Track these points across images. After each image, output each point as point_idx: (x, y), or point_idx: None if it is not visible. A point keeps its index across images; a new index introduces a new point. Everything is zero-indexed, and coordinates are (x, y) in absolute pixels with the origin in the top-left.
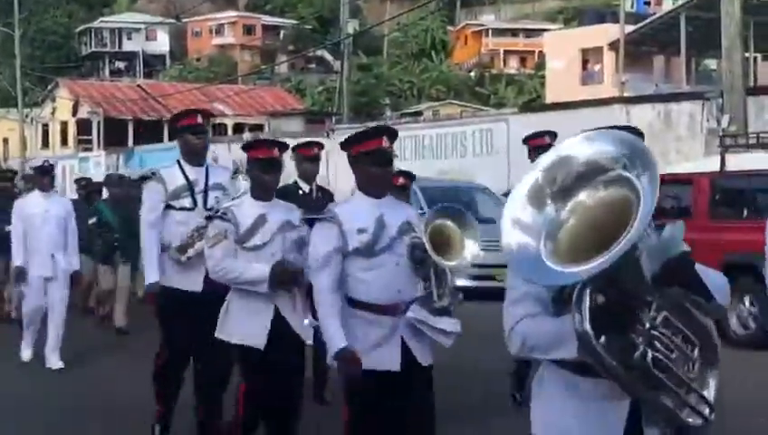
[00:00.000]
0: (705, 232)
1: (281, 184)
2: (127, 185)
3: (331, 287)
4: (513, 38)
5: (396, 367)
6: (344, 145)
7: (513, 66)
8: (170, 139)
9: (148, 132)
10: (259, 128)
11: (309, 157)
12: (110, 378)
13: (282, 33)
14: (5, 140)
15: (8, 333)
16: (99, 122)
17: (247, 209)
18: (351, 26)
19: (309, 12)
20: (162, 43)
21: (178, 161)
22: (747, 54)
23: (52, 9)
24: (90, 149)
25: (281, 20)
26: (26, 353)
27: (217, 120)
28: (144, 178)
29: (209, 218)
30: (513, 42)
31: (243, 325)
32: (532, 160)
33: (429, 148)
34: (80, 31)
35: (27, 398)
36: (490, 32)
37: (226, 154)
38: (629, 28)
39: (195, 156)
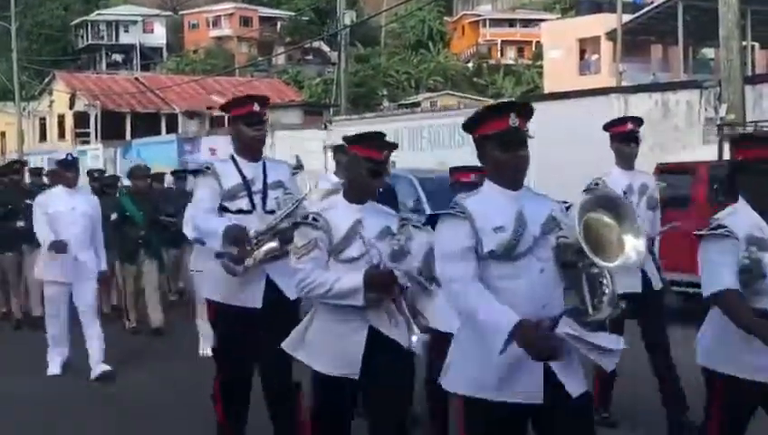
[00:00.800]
0: (703, 220)
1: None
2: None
3: (474, 276)
4: (510, 28)
5: (538, 398)
6: (466, 127)
7: (510, 56)
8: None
9: (146, 125)
10: None
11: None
12: (141, 382)
13: (279, 24)
14: (2, 134)
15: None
16: (96, 115)
17: (341, 214)
18: (348, 17)
19: (306, 3)
20: (159, 36)
21: (232, 156)
22: (745, 43)
23: (49, 2)
24: (87, 142)
25: (278, 11)
26: (54, 367)
27: (215, 113)
28: (197, 172)
29: (296, 225)
30: (510, 32)
31: (330, 349)
32: (616, 148)
33: (427, 139)
34: (76, 24)
35: (55, 407)
36: (487, 22)
37: (225, 146)
38: (627, 18)
39: (250, 150)
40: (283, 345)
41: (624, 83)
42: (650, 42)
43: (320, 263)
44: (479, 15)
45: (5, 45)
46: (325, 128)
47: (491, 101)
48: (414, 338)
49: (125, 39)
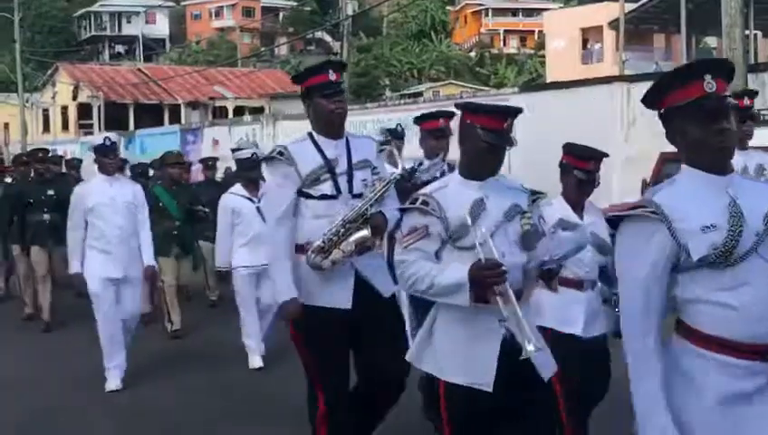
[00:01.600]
0: None
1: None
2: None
3: (656, 336)
4: (512, 18)
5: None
6: (647, 101)
7: (513, 46)
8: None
9: (149, 116)
10: (259, 110)
11: (434, 131)
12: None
13: (281, 15)
14: (6, 125)
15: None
16: (99, 106)
17: (457, 194)
18: (351, 7)
19: None
20: (162, 27)
21: (311, 134)
22: (747, 32)
23: None
24: (90, 133)
25: (280, 2)
26: (114, 382)
27: (217, 103)
28: (269, 159)
29: (404, 210)
30: (512, 21)
31: (460, 358)
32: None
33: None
34: (79, 15)
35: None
36: (490, 11)
37: (227, 137)
38: (629, 6)
39: (331, 126)
40: (408, 357)
41: (627, 72)
42: (653, 31)
43: (428, 254)
44: (481, 5)
45: (8, 37)
46: None
47: (493, 91)
48: (530, 347)
49: (128, 30)
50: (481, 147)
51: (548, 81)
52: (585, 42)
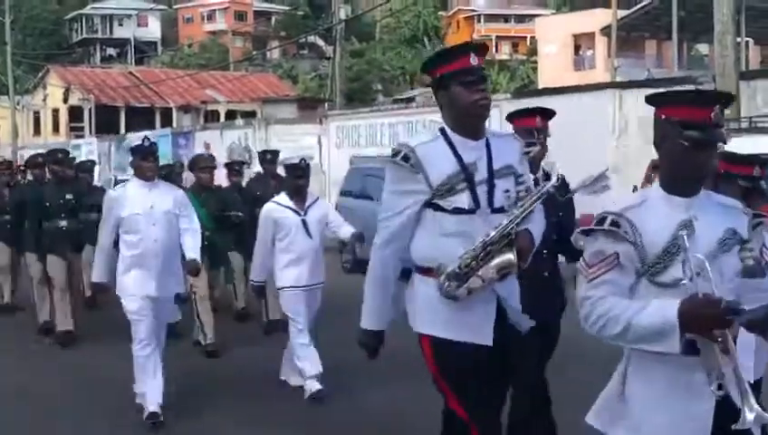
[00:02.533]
0: None
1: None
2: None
3: None
4: (504, 24)
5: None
6: None
7: (505, 52)
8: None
9: (140, 119)
10: (252, 114)
11: (528, 129)
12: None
13: (273, 18)
14: None
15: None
16: (90, 109)
17: (658, 214)
18: (343, 12)
19: None
20: (154, 30)
21: (443, 132)
22: (739, 39)
23: None
24: (81, 136)
25: (272, 6)
26: (152, 406)
27: (209, 107)
28: (391, 161)
29: (587, 233)
30: (504, 27)
31: (665, 420)
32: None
33: (423, 133)
34: (70, 17)
35: None
36: (482, 17)
37: (219, 140)
38: (621, 13)
39: (471, 122)
40: (591, 420)
41: (618, 79)
42: (645, 37)
43: (621, 289)
44: (474, 11)
45: (0, 39)
46: (320, 122)
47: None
48: (750, 415)
49: (119, 33)
50: (682, 148)
51: (540, 87)
52: (577, 48)
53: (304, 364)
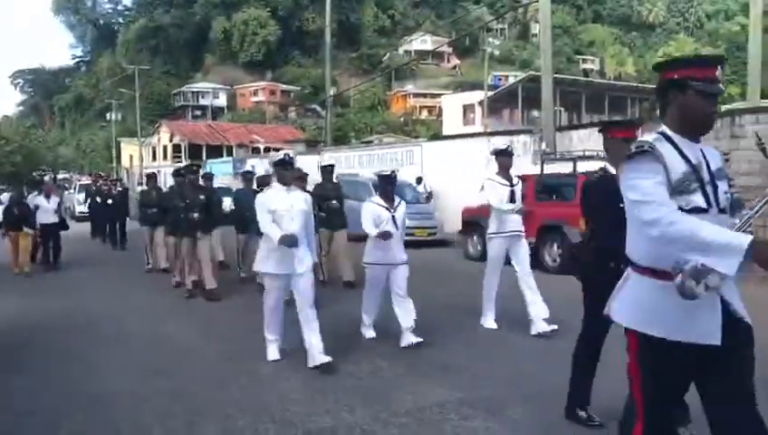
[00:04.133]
0: (532, 208)
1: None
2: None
3: None
4: (424, 98)
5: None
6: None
7: (424, 114)
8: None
9: (214, 152)
10: (278, 149)
11: (627, 140)
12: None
13: (292, 94)
14: (131, 157)
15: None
16: (185, 146)
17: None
18: (332, 91)
19: (307, 82)
20: (222, 100)
21: (664, 134)
22: (556, 108)
23: (158, 80)
24: (179, 161)
25: (291, 87)
26: (272, 352)
27: (254, 145)
28: (634, 154)
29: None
30: (424, 100)
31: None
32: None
33: (378, 160)
34: (175, 92)
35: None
36: (411, 95)
37: (260, 164)
38: (490, 93)
39: (699, 129)
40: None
41: (489, 130)
42: (503, 107)
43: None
44: (407, 91)
45: (133, 105)
46: (319, 154)
47: (413, 140)
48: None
49: (202, 101)
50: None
51: (444, 134)
52: (465, 112)
53: (366, 318)
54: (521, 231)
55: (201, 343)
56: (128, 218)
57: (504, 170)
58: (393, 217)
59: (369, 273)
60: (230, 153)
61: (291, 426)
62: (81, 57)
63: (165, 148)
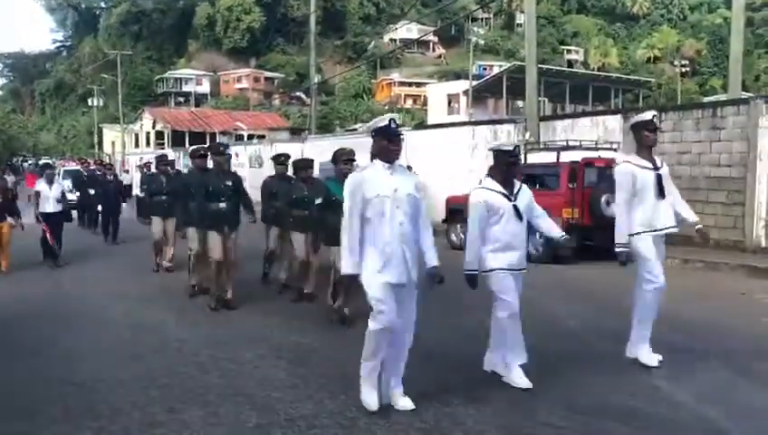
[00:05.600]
0: None
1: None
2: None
3: None
4: (409, 87)
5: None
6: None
7: (409, 103)
8: None
9: (197, 139)
10: (262, 137)
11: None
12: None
13: (276, 81)
14: (113, 143)
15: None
16: (168, 132)
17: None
18: (316, 78)
19: (292, 70)
20: (206, 87)
21: None
22: (540, 98)
23: (141, 66)
24: (162, 147)
25: (276, 74)
26: (371, 399)
27: (238, 132)
28: None
29: None
30: (409, 89)
31: None
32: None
33: (362, 149)
34: (157, 78)
35: None
36: (396, 83)
37: (243, 151)
38: (475, 83)
39: None
40: None
41: (472, 120)
42: (488, 97)
43: None
44: (392, 79)
45: (115, 91)
46: (303, 142)
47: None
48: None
49: (186, 88)
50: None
51: (429, 123)
52: (450, 102)
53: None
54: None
55: (181, 330)
56: (123, 207)
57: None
58: (515, 206)
59: (497, 283)
60: (213, 140)
61: (273, 412)
62: (62, 42)
63: (148, 134)
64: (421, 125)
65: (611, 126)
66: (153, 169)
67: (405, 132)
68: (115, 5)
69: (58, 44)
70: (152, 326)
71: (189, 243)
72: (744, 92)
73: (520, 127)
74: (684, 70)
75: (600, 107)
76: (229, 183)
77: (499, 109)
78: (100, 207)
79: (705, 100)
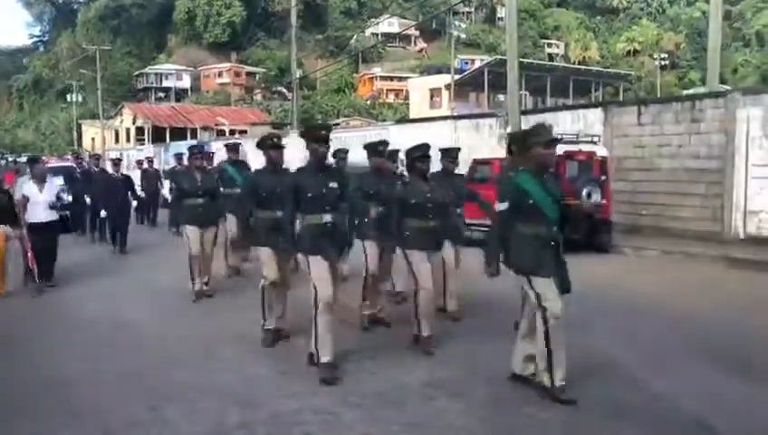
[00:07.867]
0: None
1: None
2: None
3: None
4: (391, 82)
5: None
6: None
7: (391, 98)
8: None
9: (178, 134)
10: (244, 132)
11: None
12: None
13: (257, 76)
14: (93, 139)
15: None
16: (148, 128)
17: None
18: (298, 73)
19: (273, 64)
20: (186, 82)
21: None
22: (521, 92)
23: (120, 61)
24: (143, 144)
25: (257, 69)
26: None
27: (219, 127)
28: None
29: None
30: (391, 84)
31: None
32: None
33: (344, 144)
34: (137, 73)
35: None
36: (378, 77)
37: (222, 149)
38: (457, 77)
39: None
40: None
41: (454, 114)
42: (469, 91)
43: None
44: (373, 73)
45: (94, 87)
46: (285, 136)
47: (380, 123)
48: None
49: (166, 83)
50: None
51: (411, 117)
52: (432, 96)
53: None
54: None
55: (162, 328)
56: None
57: None
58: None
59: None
60: (194, 135)
61: (256, 409)
62: (39, 37)
63: (128, 130)
64: (403, 119)
65: (591, 119)
66: (185, 163)
67: (387, 127)
68: (93, 0)
69: (35, 39)
70: (131, 324)
71: (264, 270)
72: (722, 85)
73: (501, 121)
74: (663, 63)
75: (581, 100)
76: (334, 185)
77: (481, 102)
78: (103, 213)
79: (685, 93)
